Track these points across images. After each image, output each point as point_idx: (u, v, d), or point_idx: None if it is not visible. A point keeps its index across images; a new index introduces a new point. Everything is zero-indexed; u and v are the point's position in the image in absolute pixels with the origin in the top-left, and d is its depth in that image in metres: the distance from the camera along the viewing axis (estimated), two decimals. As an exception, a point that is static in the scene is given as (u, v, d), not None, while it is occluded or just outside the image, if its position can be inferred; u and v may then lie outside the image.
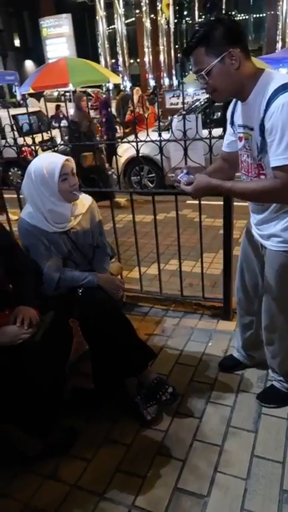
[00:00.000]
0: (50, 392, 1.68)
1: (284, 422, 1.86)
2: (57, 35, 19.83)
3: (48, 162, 1.91)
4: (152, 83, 21.43)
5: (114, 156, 2.71)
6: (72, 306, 1.96)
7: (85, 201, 2.12)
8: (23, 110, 6.42)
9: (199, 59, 1.48)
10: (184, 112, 2.38)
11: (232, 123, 1.72)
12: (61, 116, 9.37)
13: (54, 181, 1.88)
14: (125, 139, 2.56)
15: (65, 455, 1.78)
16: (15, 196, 2.85)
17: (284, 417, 1.89)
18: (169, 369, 2.27)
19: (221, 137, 2.28)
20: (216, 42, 1.44)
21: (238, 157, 1.71)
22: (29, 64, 27.75)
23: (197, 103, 6.32)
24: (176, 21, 23.51)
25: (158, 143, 2.46)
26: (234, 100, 1.69)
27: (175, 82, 22.37)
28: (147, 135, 2.44)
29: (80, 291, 2.00)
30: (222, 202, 2.45)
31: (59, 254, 2.01)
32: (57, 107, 10.84)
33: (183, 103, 2.50)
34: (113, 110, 9.65)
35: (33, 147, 2.79)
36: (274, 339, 1.88)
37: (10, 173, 7.71)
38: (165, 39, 22.07)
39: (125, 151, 5.36)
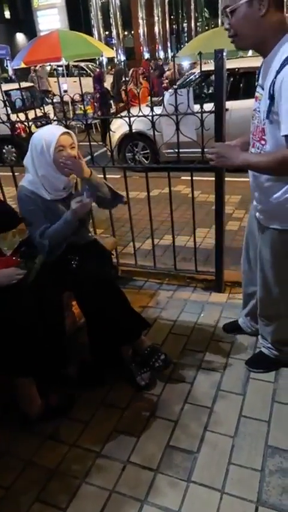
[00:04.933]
0: (50, 340, 1.78)
1: (270, 386, 1.97)
2: (49, 6, 19.27)
3: (48, 134, 1.98)
4: (146, 55, 20.94)
5: (108, 133, 2.72)
6: (67, 277, 2.03)
7: None
8: (15, 86, 6.36)
9: None
10: (176, 86, 2.39)
11: (257, 82, 1.65)
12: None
13: (50, 151, 1.93)
14: (117, 115, 2.57)
15: (64, 418, 1.89)
16: (10, 174, 2.87)
17: (271, 381, 2.00)
18: (163, 338, 2.37)
19: (212, 112, 2.32)
20: None
21: None
22: (20, 37, 26.96)
23: (192, 76, 6.24)
24: (171, -10, 22.80)
25: (148, 118, 2.47)
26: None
27: (170, 55, 21.87)
28: (140, 110, 2.46)
29: (74, 263, 2.06)
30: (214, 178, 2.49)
31: (55, 221, 2.05)
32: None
33: (174, 77, 2.50)
34: (107, 85, 9.49)
35: (26, 124, 2.80)
36: (268, 310, 1.96)
37: (4, 151, 7.66)
38: (160, 9, 21.45)
39: (119, 127, 5.34)
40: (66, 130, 2.00)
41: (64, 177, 2.01)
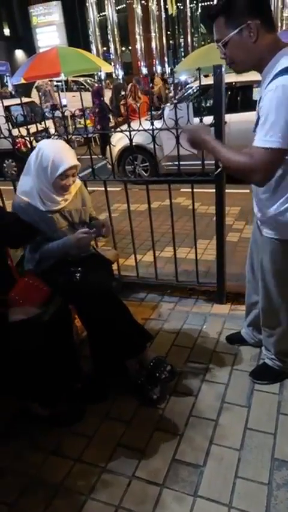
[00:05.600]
0: (63, 369, 1.79)
1: (275, 397, 1.96)
2: (48, 23, 19.62)
3: (58, 158, 1.96)
4: (144, 70, 21.26)
5: (109, 146, 2.75)
6: (70, 291, 2.03)
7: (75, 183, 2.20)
8: (15, 101, 6.44)
9: (219, 28, 1.49)
10: (175, 101, 2.43)
11: None
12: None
13: (53, 174, 1.96)
14: (118, 129, 2.60)
15: (67, 433, 1.87)
16: (12, 188, 2.89)
17: (276, 392, 1.99)
18: (166, 350, 2.36)
19: (212, 125, 2.35)
20: (236, 13, 1.43)
21: None
22: (19, 54, 27.33)
23: (189, 91, 6.33)
24: (167, 7, 23.22)
25: (149, 132, 2.51)
26: None
27: (167, 69, 22.20)
28: (140, 124, 2.49)
29: (77, 275, 2.07)
30: (215, 190, 2.51)
31: (49, 232, 2.07)
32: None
33: (174, 91, 2.54)
34: (106, 99, 9.62)
35: (27, 138, 2.83)
36: (270, 320, 1.96)
37: (5, 165, 7.72)
38: (156, 25, 21.85)
39: (119, 140, 5.40)
40: (76, 163, 2.01)
41: (58, 197, 2.05)
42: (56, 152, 1.98)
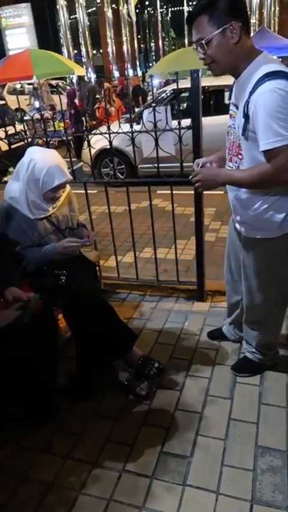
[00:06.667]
0: (42, 374, 1.79)
1: (256, 389, 2.05)
2: (17, 25, 19.35)
3: (53, 172, 1.96)
4: (116, 74, 21.31)
5: (87, 148, 2.78)
6: (55, 294, 2.05)
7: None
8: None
9: (201, 27, 1.50)
10: (154, 104, 2.49)
11: (230, 100, 1.75)
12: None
13: (46, 188, 1.99)
14: (97, 131, 2.64)
15: (56, 431, 1.89)
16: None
17: (257, 384, 2.07)
18: (149, 348, 2.41)
19: (190, 128, 2.42)
20: (220, 12, 1.45)
21: None
22: (-12, 55, 26.87)
23: (163, 94, 6.43)
24: (137, 11, 23.39)
25: (128, 135, 2.56)
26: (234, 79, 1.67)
27: (139, 73, 22.34)
28: (119, 126, 2.54)
29: (63, 278, 2.09)
30: (191, 192, 2.57)
31: (36, 238, 2.09)
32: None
33: (152, 95, 2.61)
34: (77, 101, 9.60)
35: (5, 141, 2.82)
36: (253, 316, 2.04)
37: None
38: (127, 29, 21.94)
39: (95, 143, 5.41)
40: (69, 177, 2.04)
41: (48, 206, 2.08)
42: (49, 166, 1.96)
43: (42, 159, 1.98)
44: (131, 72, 21.99)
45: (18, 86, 13.49)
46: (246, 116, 1.55)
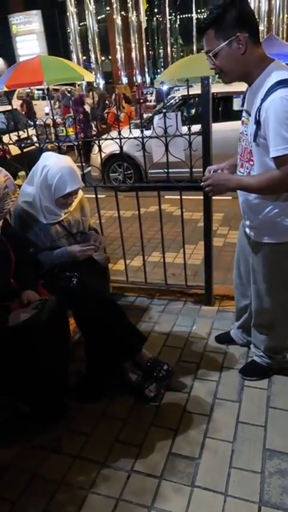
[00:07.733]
0: (55, 374, 1.82)
1: (264, 392, 2.06)
2: (28, 32, 19.66)
3: (66, 179, 2.00)
4: (124, 80, 21.50)
5: (97, 153, 2.82)
6: (66, 296, 2.08)
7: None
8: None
9: (209, 40, 1.57)
10: (165, 110, 2.53)
11: (242, 107, 1.79)
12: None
13: (58, 194, 2.03)
14: (108, 137, 2.68)
15: (65, 431, 1.92)
16: None
17: (265, 388, 2.08)
18: (158, 351, 2.43)
19: (200, 133, 2.46)
20: (226, 25, 1.51)
21: None
22: (-1, 62, 27.26)
23: (172, 101, 6.48)
24: (146, 18, 23.62)
25: (139, 140, 2.59)
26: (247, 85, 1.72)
27: (148, 79, 22.50)
28: (130, 132, 2.58)
29: (74, 280, 2.12)
30: (200, 197, 2.60)
31: (48, 242, 2.12)
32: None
33: (163, 102, 2.64)
34: (86, 107, 9.71)
35: (12, 145, 2.87)
36: (262, 320, 2.05)
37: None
38: (136, 36, 22.17)
39: (104, 148, 5.47)
40: (81, 185, 2.07)
41: (60, 211, 2.12)
42: (62, 173, 1.99)
43: (55, 164, 2.01)
44: (139, 78, 22.18)
45: (27, 91, 13.65)
46: (257, 122, 1.58)
